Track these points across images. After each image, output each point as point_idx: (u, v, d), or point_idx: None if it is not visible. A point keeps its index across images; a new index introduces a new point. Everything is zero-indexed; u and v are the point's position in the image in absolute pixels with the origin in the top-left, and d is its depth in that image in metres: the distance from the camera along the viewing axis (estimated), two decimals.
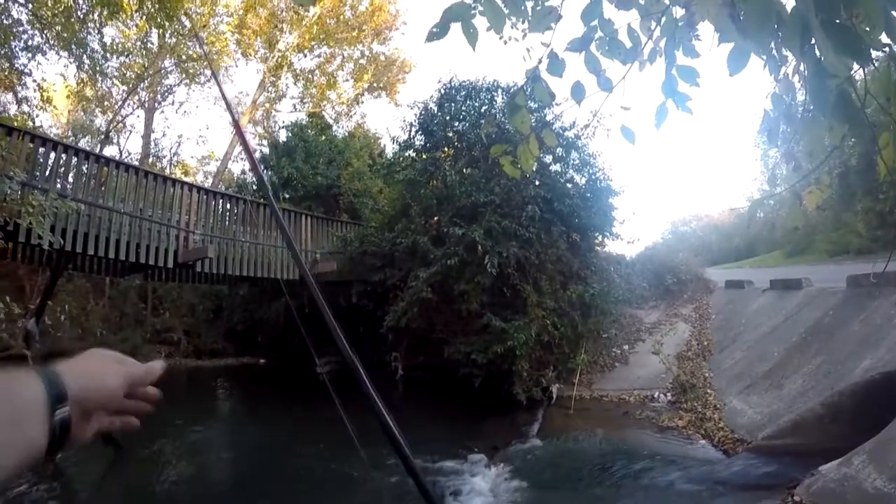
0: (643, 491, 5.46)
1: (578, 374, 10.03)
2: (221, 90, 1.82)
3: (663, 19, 1.73)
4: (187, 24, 15.38)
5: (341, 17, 18.05)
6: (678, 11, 1.72)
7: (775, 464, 5.34)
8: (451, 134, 11.03)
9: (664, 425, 7.59)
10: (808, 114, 1.64)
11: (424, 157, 11.02)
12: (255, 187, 13.40)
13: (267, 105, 19.89)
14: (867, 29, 1.28)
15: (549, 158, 11.06)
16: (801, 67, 1.65)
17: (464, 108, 11.18)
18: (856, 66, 1.43)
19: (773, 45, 1.52)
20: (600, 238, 11.88)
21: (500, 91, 11.21)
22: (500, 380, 9.45)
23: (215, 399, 11.79)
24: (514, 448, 7.25)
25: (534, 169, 10.22)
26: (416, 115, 11.33)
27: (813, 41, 1.27)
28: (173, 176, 14.12)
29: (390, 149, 13.33)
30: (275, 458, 7.32)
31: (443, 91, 11.25)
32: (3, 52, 9.90)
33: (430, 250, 9.67)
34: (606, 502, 5.29)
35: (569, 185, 11.21)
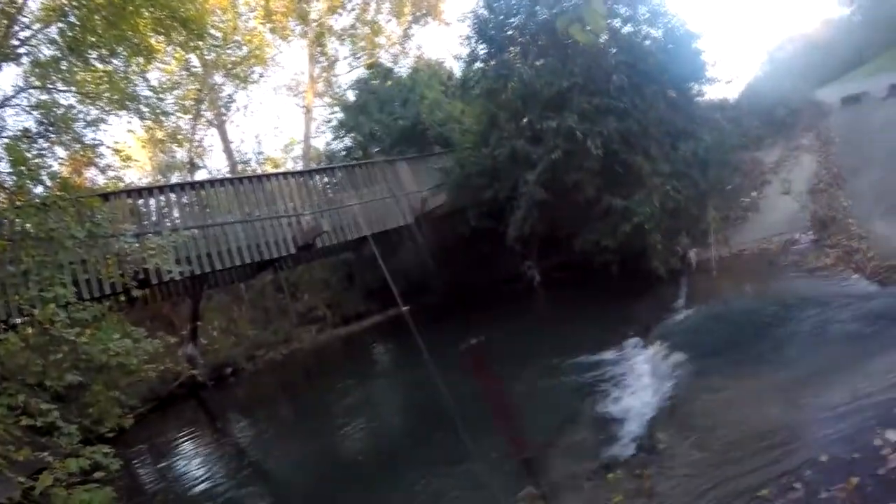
0: (805, 338, 5.21)
1: (712, 233, 9.64)
2: None
3: None
4: (218, 35, 15.77)
5: None
6: None
7: None
8: (510, 32, 10.60)
9: (812, 266, 7.23)
10: None
11: (493, 63, 10.71)
12: (343, 153, 13.80)
13: (324, 75, 20.10)
14: None
15: (618, 22, 10.35)
16: None
17: (513, 1, 10.63)
18: None
19: None
20: (696, 87, 11.09)
21: None
22: (636, 259, 9.31)
23: (372, 356, 12.71)
24: (666, 323, 7.18)
25: (605, 32, 9.61)
26: (469, 26, 10.98)
27: None
28: (265, 172, 14.89)
29: (457, 68, 13.13)
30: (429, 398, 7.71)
31: None
32: (69, 137, 10.65)
33: (531, 151, 9.53)
34: (771, 358, 5.08)
35: (647, 43, 10.49)
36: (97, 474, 4.58)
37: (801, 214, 8.90)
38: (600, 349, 7.00)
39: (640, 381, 5.90)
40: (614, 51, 10.00)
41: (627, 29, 10.60)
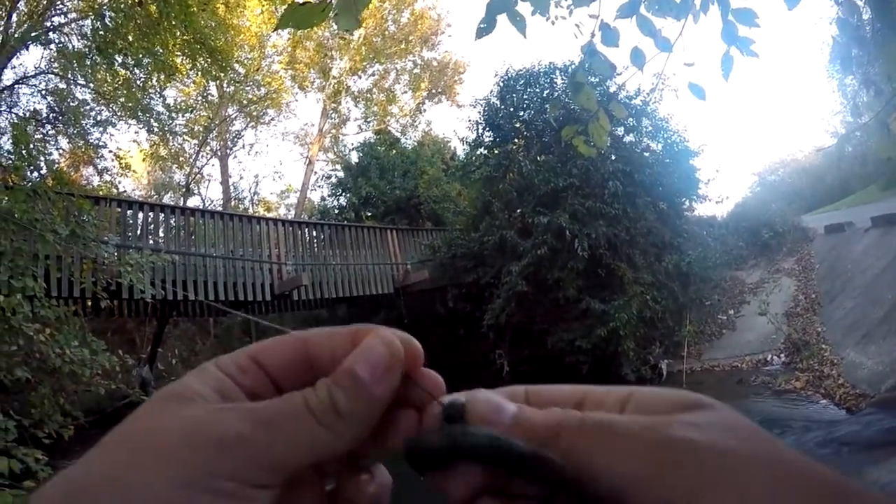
0: None
1: (686, 346, 9.71)
2: None
3: None
4: (241, 70, 16.22)
5: (386, 32, 18.46)
6: None
7: None
8: (518, 124, 10.98)
9: (781, 389, 7.27)
10: (878, 35, 1.49)
11: (496, 151, 11.03)
12: (336, 211, 13.90)
13: (333, 131, 20.47)
14: None
15: (620, 130, 10.77)
16: None
17: (525, 96, 11.11)
18: None
19: None
20: (687, 203, 11.45)
21: (558, 73, 11.05)
22: (607, 363, 9.29)
23: None
24: None
25: (607, 144, 9.99)
26: (479, 112, 11.39)
27: None
28: (257, 214, 14.93)
29: (461, 150, 13.48)
30: None
31: (502, 83, 11.24)
32: (76, 130, 10.67)
33: (519, 243, 9.65)
34: None
35: (646, 154, 10.89)
36: (26, 483, 4.23)
37: (775, 336, 8.97)
38: None
39: None
40: (613, 157, 10.34)
41: (629, 138, 11.03)
